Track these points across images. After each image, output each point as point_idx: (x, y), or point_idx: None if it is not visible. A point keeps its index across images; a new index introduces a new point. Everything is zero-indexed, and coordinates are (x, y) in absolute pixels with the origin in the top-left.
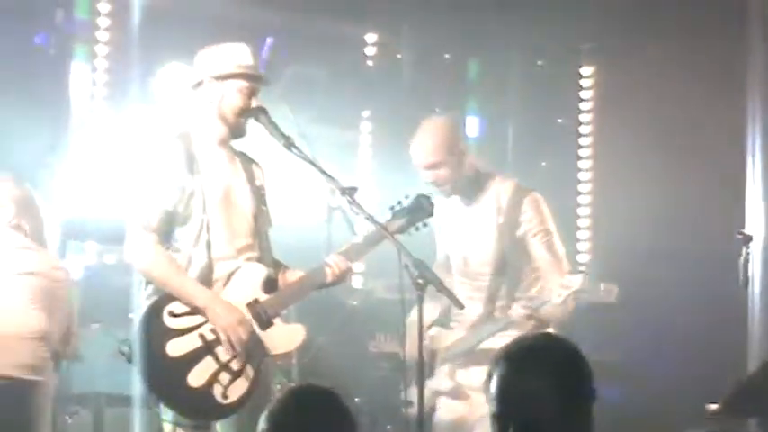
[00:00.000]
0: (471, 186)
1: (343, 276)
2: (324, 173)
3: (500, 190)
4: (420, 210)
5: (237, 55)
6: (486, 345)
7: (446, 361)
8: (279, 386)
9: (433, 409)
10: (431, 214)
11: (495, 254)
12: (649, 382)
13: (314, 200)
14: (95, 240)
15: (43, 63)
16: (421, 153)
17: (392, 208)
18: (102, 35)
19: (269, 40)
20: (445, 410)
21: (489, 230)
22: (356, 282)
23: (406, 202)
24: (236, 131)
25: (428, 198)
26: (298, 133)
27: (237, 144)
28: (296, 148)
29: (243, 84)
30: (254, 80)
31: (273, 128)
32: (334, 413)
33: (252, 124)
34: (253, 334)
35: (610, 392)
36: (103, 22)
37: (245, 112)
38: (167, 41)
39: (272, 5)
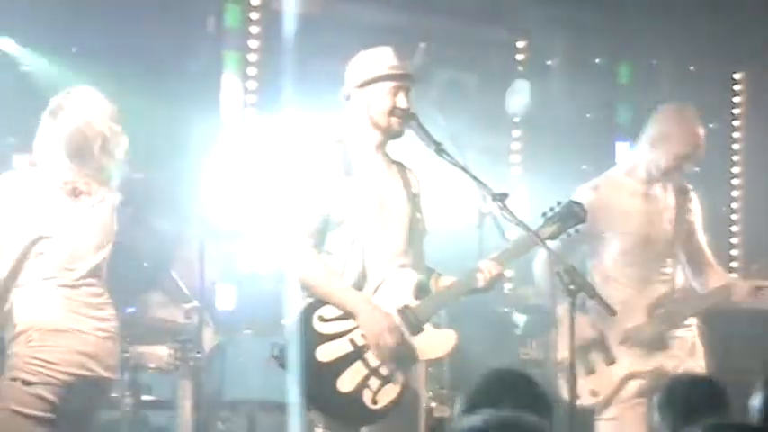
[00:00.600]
0: None
1: (495, 282)
2: (475, 178)
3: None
4: (572, 216)
5: (380, 59)
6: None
7: (638, 343)
8: (431, 393)
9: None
10: (583, 221)
11: (672, 239)
12: None
13: (465, 206)
14: (245, 247)
15: (194, 71)
16: (693, 141)
17: (544, 214)
18: (253, 43)
19: (421, 46)
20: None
21: (669, 216)
22: (506, 287)
23: (558, 209)
24: (391, 133)
25: (580, 205)
26: (449, 138)
27: (392, 151)
28: (447, 153)
29: (388, 84)
30: (399, 79)
31: (424, 133)
32: (530, 395)
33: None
34: (402, 340)
35: None
36: (254, 29)
37: (395, 112)
38: (319, 48)
39: (424, 11)
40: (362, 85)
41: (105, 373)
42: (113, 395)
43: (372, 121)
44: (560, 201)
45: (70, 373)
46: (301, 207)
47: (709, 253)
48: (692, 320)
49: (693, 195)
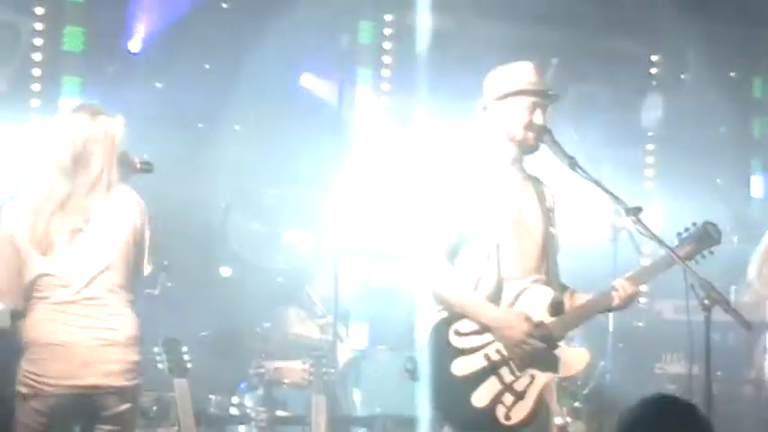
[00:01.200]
0: None
1: (630, 301)
2: (609, 193)
3: None
4: (708, 237)
5: (519, 73)
6: None
7: None
8: (565, 408)
9: None
10: (718, 242)
11: None
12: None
13: (599, 220)
14: (379, 261)
15: (328, 88)
16: None
17: (679, 234)
18: (387, 59)
19: (554, 61)
20: None
21: None
22: (641, 301)
23: (693, 230)
24: (527, 148)
25: (715, 226)
26: (582, 153)
27: (528, 166)
28: (580, 168)
29: (526, 100)
30: (537, 95)
31: (557, 148)
32: (692, 425)
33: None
34: (539, 352)
35: None
36: (387, 45)
37: (531, 128)
38: (452, 63)
39: (557, 25)
40: (501, 98)
41: (102, 381)
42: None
43: (509, 134)
44: (695, 222)
45: (58, 385)
46: (438, 222)
47: None
48: None
49: None
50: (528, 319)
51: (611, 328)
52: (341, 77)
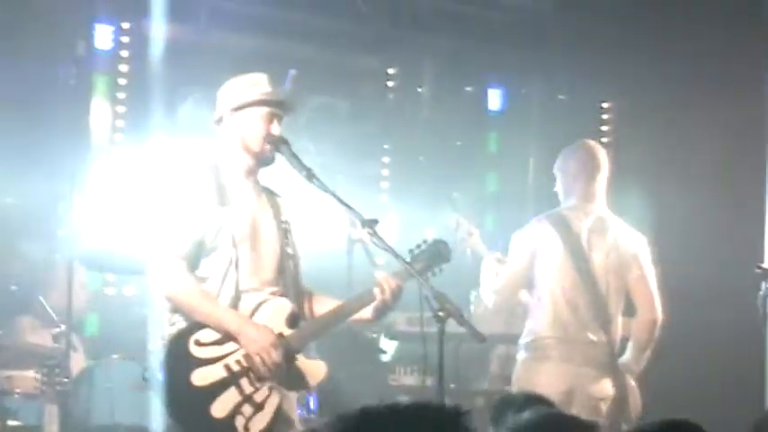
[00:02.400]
0: None
1: (396, 295)
2: (344, 205)
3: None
4: (438, 256)
5: (255, 84)
6: None
7: None
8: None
9: None
10: (447, 260)
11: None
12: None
13: (335, 232)
14: (115, 272)
15: (64, 95)
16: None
17: (411, 251)
18: (124, 67)
19: (291, 72)
20: None
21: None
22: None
23: (424, 246)
24: (262, 160)
25: (446, 244)
26: (319, 165)
27: (262, 178)
28: (317, 179)
29: (262, 110)
30: (274, 105)
31: (295, 159)
32: None
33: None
34: (278, 364)
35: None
36: (124, 53)
37: (269, 139)
38: (190, 73)
39: (295, 38)
40: (236, 109)
41: None
42: None
43: (245, 145)
44: (426, 238)
45: None
46: (173, 231)
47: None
48: None
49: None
50: (270, 331)
51: (345, 339)
52: (77, 84)
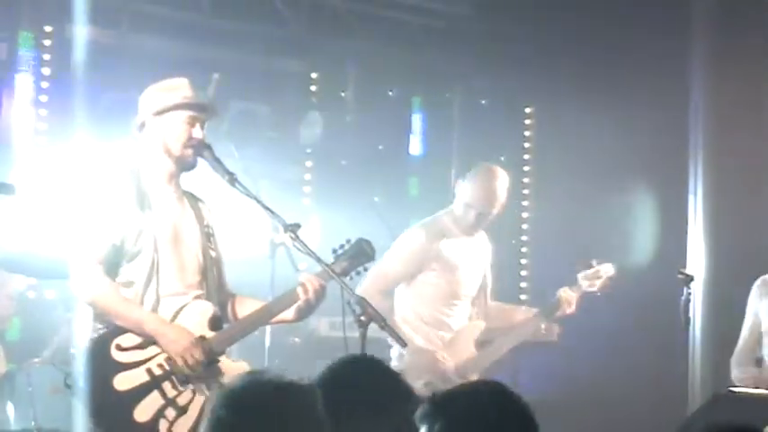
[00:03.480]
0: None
1: (320, 295)
2: (267, 209)
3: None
4: (363, 254)
5: (176, 88)
6: None
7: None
8: None
9: None
10: (372, 258)
11: (483, 278)
12: (592, 422)
13: (258, 236)
14: (35, 275)
15: None
16: (495, 202)
17: (335, 251)
18: (46, 70)
19: (214, 76)
20: None
21: (483, 260)
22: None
23: (347, 246)
24: (184, 164)
25: (369, 243)
26: (242, 169)
27: (184, 182)
28: (240, 184)
29: (184, 114)
30: (195, 109)
31: (217, 164)
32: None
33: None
34: (201, 365)
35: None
36: (47, 57)
37: (190, 143)
38: (111, 77)
39: (217, 42)
40: (158, 114)
41: None
42: None
43: (166, 149)
44: (350, 238)
45: None
46: (91, 235)
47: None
48: None
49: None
50: (189, 333)
51: (267, 344)
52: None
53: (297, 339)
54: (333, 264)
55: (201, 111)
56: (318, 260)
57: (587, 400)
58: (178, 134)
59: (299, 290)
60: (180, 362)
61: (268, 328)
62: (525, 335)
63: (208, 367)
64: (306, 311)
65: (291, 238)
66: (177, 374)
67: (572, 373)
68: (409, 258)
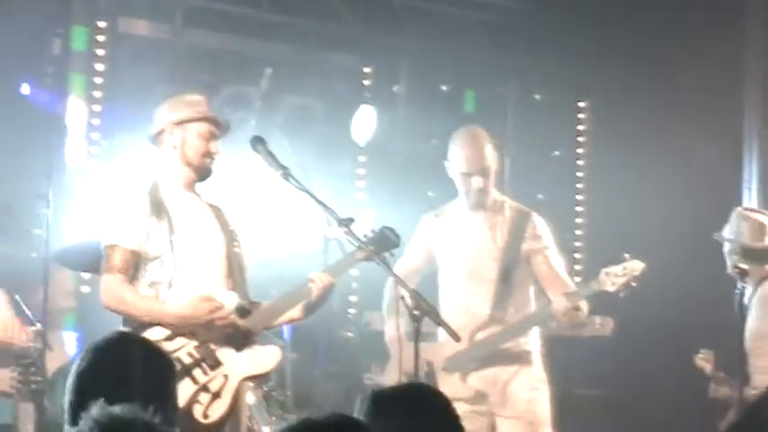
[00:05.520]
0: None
1: (328, 291)
2: (320, 203)
3: (503, 206)
4: (387, 240)
5: (195, 103)
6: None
7: (456, 369)
8: (275, 418)
9: None
10: (396, 245)
11: (499, 265)
12: (644, 417)
13: (310, 231)
14: (90, 270)
15: (40, 93)
16: (473, 159)
17: (359, 240)
18: (99, 66)
19: (267, 71)
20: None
21: (495, 243)
22: (350, 312)
23: (372, 234)
24: (202, 173)
25: (393, 230)
26: (295, 164)
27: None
28: (293, 178)
29: (203, 127)
30: (214, 123)
31: (271, 158)
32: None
33: (252, 155)
34: (234, 338)
35: (604, 426)
36: (101, 52)
37: (208, 156)
38: (165, 72)
39: (270, 37)
40: (178, 124)
41: None
42: None
43: (185, 159)
44: (373, 229)
45: None
46: (111, 242)
47: (555, 275)
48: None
49: (536, 218)
50: (208, 298)
51: (320, 338)
52: (53, 83)
53: (350, 333)
54: (355, 251)
55: (218, 126)
56: (372, 255)
57: (639, 394)
58: (197, 145)
59: (312, 285)
60: (217, 323)
61: (320, 322)
62: (514, 335)
63: (238, 351)
64: (312, 309)
65: (345, 232)
66: (207, 359)
67: (624, 367)
68: (416, 247)
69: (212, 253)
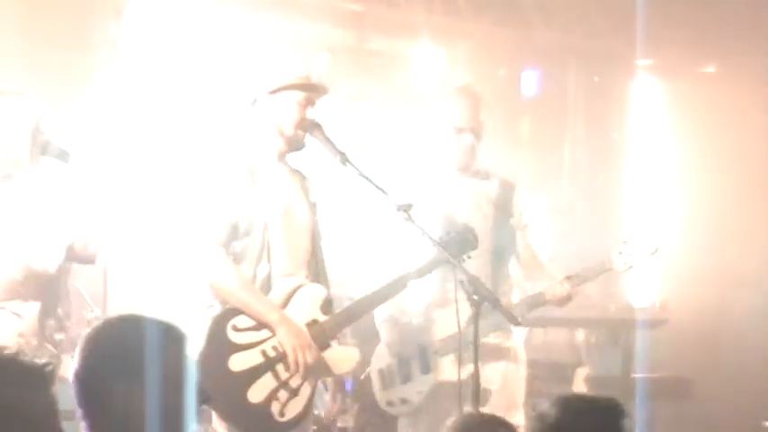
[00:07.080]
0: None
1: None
2: (379, 189)
3: (487, 175)
4: (467, 243)
5: (290, 66)
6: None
7: (448, 351)
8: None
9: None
10: (475, 247)
11: (491, 239)
12: (705, 399)
13: (369, 216)
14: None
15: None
16: (468, 115)
17: (440, 239)
18: (155, 46)
19: (324, 55)
20: None
21: (485, 214)
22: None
23: (453, 234)
24: (295, 144)
25: (473, 231)
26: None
27: (291, 159)
28: (351, 163)
29: (298, 95)
30: (310, 89)
31: (329, 143)
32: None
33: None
34: (318, 355)
35: (665, 409)
36: (158, 32)
37: (303, 124)
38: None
39: (326, 21)
40: (273, 92)
41: None
42: None
43: (279, 129)
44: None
45: None
46: (208, 216)
47: (535, 256)
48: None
49: (519, 195)
50: (305, 334)
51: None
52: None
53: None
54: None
55: (314, 91)
56: (432, 240)
57: (698, 379)
58: (292, 115)
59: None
60: (292, 357)
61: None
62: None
63: (318, 360)
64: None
65: (404, 218)
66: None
67: (684, 353)
68: None
69: (299, 228)
